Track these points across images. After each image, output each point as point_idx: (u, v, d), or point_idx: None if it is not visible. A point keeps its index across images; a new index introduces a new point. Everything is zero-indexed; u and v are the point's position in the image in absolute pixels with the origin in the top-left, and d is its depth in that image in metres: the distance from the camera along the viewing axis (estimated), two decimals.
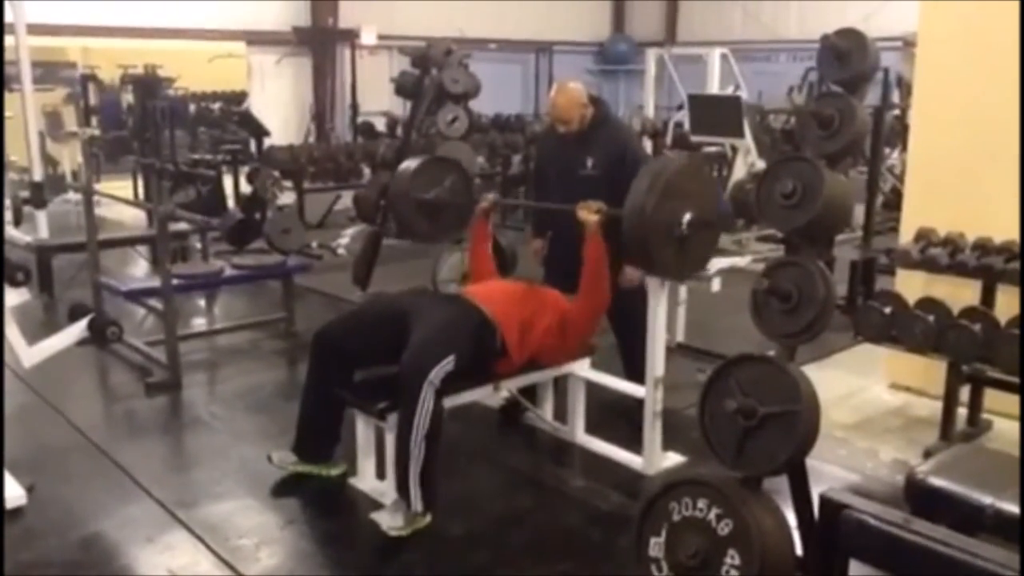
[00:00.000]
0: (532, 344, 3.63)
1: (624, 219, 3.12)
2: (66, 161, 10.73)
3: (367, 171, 9.75)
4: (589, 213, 3.54)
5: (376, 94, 12.26)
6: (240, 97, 11.31)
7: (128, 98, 11.21)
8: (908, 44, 8.74)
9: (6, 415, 3.52)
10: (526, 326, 3.60)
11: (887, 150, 8.87)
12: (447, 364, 3.21)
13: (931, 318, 3.79)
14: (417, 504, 3.18)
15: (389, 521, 3.20)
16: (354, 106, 12.78)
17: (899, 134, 8.73)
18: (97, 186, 7.74)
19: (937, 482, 2.49)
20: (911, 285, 4.24)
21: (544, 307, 3.70)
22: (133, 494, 3.56)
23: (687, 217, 3.11)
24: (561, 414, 4.12)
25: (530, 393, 4.11)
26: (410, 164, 4.02)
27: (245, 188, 8.12)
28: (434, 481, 3.22)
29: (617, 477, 3.72)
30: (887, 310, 3.97)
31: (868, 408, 4.50)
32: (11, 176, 8.03)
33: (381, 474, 3.53)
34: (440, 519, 3.25)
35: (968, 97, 4.27)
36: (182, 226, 6.31)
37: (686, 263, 3.35)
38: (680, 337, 5.39)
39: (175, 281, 4.96)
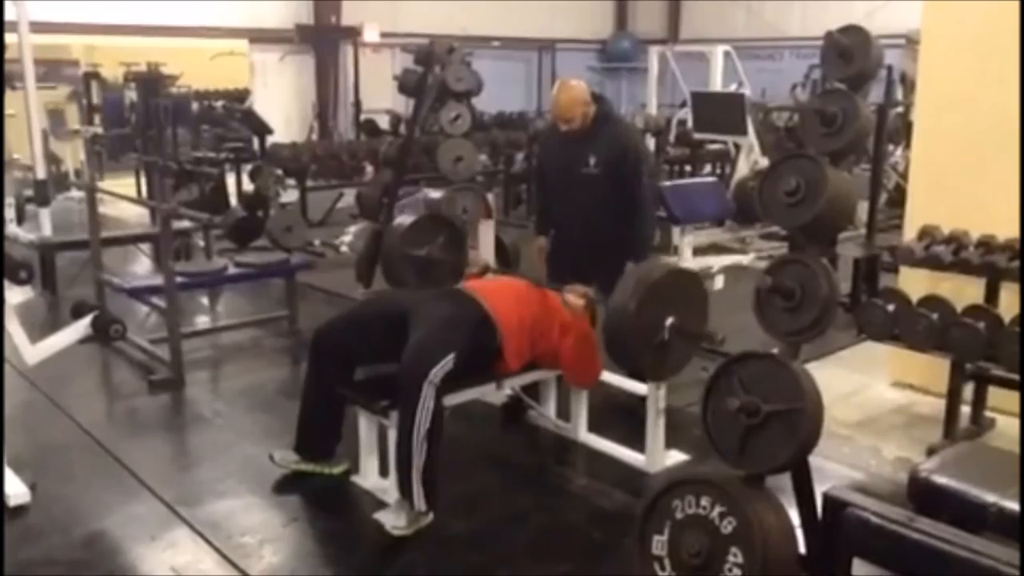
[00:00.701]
0: (530, 347, 3.62)
1: (605, 319, 3.11)
2: (69, 159, 10.73)
3: (370, 169, 9.76)
4: (576, 299, 3.60)
5: (379, 92, 12.27)
6: (243, 95, 11.31)
7: (131, 96, 11.20)
8: (911, 41, 8.73)
9: (9, 413, 3.52)
10: (525, 327, 3.59)
11: (890, 147, 8.85)
12: (447, 363, 3.21)
13: (934, 316, 3.79)
14: (419, 503, 3.18)
15: (392, 520, 3.20)
16: (357, 104, 12.79)
17: (902, 131, 8.71)
18: (100, 184, 7.76)
19: (940, 480, 2.48)
20: (914, 283, 4.23)
21: (545, 311, 3.69)
22: (136, 492, 3.56)
23: (669, 322, 3.08)
24: (564, 412, 4.12)
25: (533, 391, 4.11)
26: (403, 220, 4.07)
27: (248, 186, 8.15)
28: (436, 480, 3.21)
29: (620, 475, 3.71)
30: (890, 308, 3.96)
31: (871, 406, 4.49)
32: (14, 174, 8.03)
33: (384, 471, 3.52)
34: (442, 518, 3.25)
35: (971, 94, 4.26)
36: (185, 224, 6.32)
37: (665, 368, 3.31)
38: None
39: (178, 279, 4.96)
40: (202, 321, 6.06)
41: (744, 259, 6.48)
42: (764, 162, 7.23)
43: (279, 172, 6.53)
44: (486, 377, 3.63)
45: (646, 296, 3.02)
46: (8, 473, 3.45)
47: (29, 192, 7.42)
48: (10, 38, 6.25)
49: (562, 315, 3.71)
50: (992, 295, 3.89)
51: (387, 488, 3.43)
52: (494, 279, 3.96)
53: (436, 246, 3.99)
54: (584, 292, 3.59)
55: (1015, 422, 3.98)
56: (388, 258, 4.16)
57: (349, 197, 9.19)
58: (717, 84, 10.20)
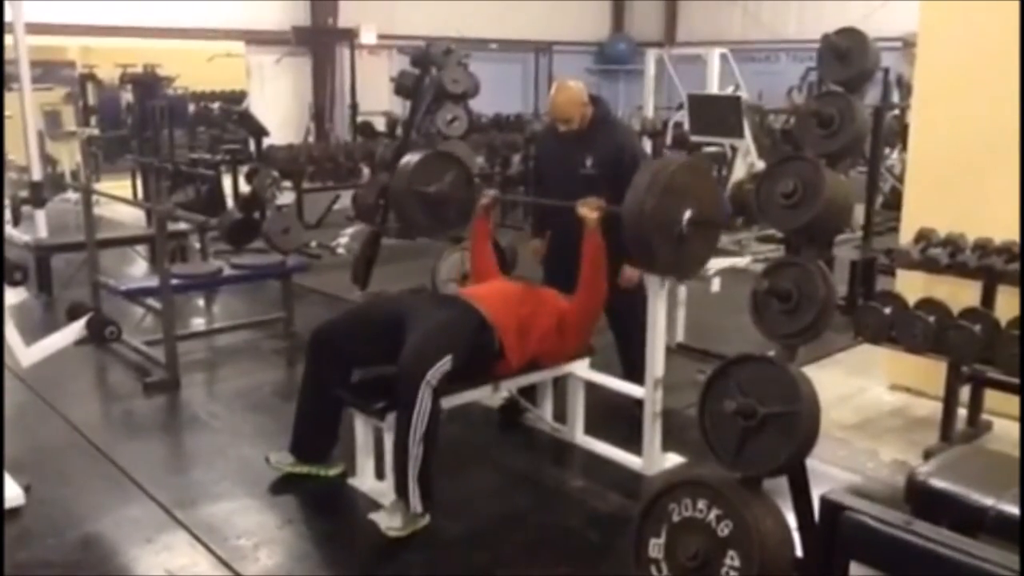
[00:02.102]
0: (530, 347, 3.62)
1: (623, 216, 3.09)
2: (65, 160, 10.73)
3: (366, 171, 9.75)
4: (590, 210, 3.54)
5: (375, 94, 12.25)
6: (239, 96, 11.32)
7: (127, 97, 11.22)
8: (908, 44, 8.74)
9: (5, 415, 3.51)
10: (525, 328, 3.59)
11: (887, 150, 8.87)
12: (444, 365, 3.20)
13: (931, 318, 3.79)
14: (416, 505, 3.17)
15: (388, 521, 3.19)
16: (353, 106, 12.77)
17: (899, 134, 8.72)
18: (96, 185, 7.75)
19: (938, 483, 2.48)
20: (911, 285, 4.24)
21: (543, 308, 3.69)
22: (131, 494, 3.55)
23: (688, 215, 3.06)
24: (560, 414, 4.11)
25: (529, 393, 4.11)
26: (411, 158, 4.01)
27: (244, 188, 8.12)
28: (433, 482, 3.21)
29: (616, 478, 3.71)
30: (887, 310, 3.97)
31: (868, 409, 4.49)
32: (10, 175, 8.02)
33: (380, 474, 3.52)
34: (439, 520, 3.25)
35: (968, 97, 4.26)
36: (181, 225, 6.32)
37: (686, 262, 3.30)
38: (680, 337, 5.39)
39: (174, 281, 4.95)
40: (198, 323, 6.05)
41: (741, 261, 6.48)
42: (760, 164, 7.23)
43: (275, 174, 6.49)
44: (483, 379, 3.63)
45: (664, 191, 2.99)
46: (3, 475, 3.44)
47: (25, 193, 7.41)
48: (6, 39, 6.24)
49: (560, 306, 3.71)
50: (989, 298, 3.90)
51: (383, 490, 3.42)
52: (490, 284, 3.95)
53: (445, 183, 3.94)
54: (597, 204, 3.54)
55: (1012, 425, 3.99)
56: (397, 196, 4.06)
57: (345, 199, 9.17)
58: (714, 86, 10.18)
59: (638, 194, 3.01)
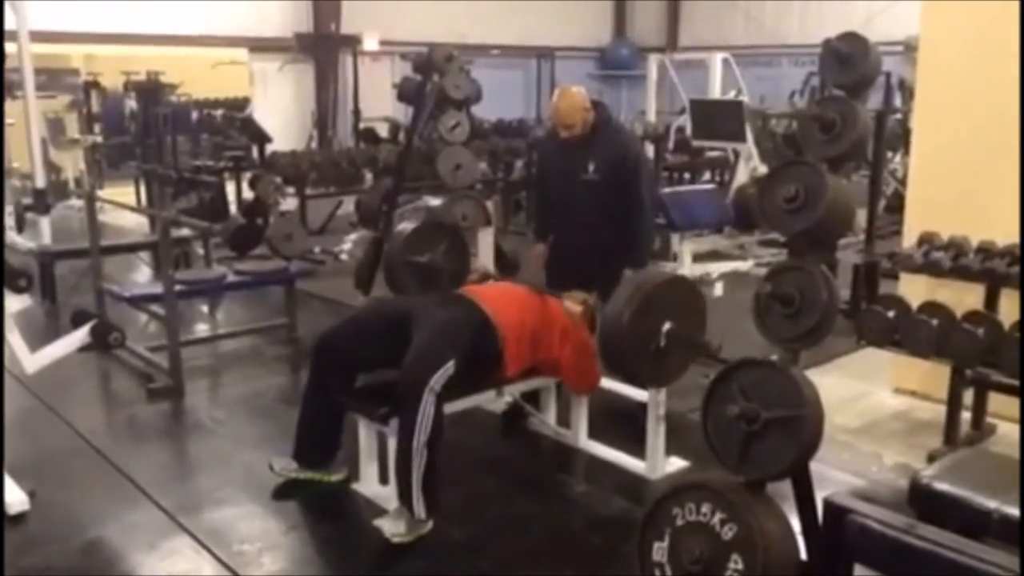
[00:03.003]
0: (531, 355, 3.63)
1: (600, 329, 3.10)
2: (69, 168, 10.73)
3: (369, 177, 9.77)
4: (575, 305, 3.67)
5: (378, 100, 12.28)
6: (242, 103, 11.33)
7: (131, 105, 11.23)
8: (910, 48, 8.74)
9: (9, 421, 3.52)
10: (527, 335, 3.59)
11: (889, 154, 8.86)
12: (448, 369, 3.20)
13: (934, 322, 3.78)
14: (419, 510, 3.17)
15: (391, 527, 3.19)
16: (356, 112, 12.81)
17: (901, 138, 8.72)
18: (100, 192, 7.77)
19: (941, 486, 2.48)
20: (914, 289, 4.23)
21: (548, 317, 3.69)
22: (135, 500, 3.56)
23: (666, 327, 3.03)
24: (564, 419, 4.11)
25: (533, 398, 4.11)
26: (406, 227, 4.07)
27: (247, 194, 8.14)
28: (436, 487, 3.21)
29: (620, 482, 3.71)
30: (890, 314, 3.96)
31: (872, 412, 4.49)
32: (14, 183, 8.04)
33: (384, 479, 3.52)
34: (442, 525, 3.25)
35: (970, 100, 4.26)
36: (184, 232, 6.33)
37: (662, 374, 3.28)
38: None
39: (177, 287, 4.96)
40: (201, 329, 6.05)
41: (743, 266, 6.49)
42: (763, 169, 7.23)
43: (278, 180, 6.52)
44: (486, 384, 3.63)
45: (642, 304, 2.99)
46: (7, 481, 3.45)
47: (28, 200, 7.42)
48: (10, 47, 6.26)
49: (563, 321, 3.71)
50: (992, 301, 3.89)
51: (387, 496, 3.42)
52: (495, 285, 3.96)
53: (438, 253, 3.99)
54: (583, 299, 3.60)
55: (1016, 428, 3.98)
56: (390, 265, 4.15)
57: (348, 205, 9.20)
58: (716, 91, 10.21)
59: (617, 306, 3.00)
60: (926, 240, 4.18)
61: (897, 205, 7.53)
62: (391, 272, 4.20)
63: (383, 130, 10.79)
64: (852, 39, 2.66)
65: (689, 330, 3.13)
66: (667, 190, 7.04)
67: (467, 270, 4.08)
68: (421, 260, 3.92)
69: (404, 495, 3.19)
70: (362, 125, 12.03)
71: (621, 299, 3.01)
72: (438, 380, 3.18)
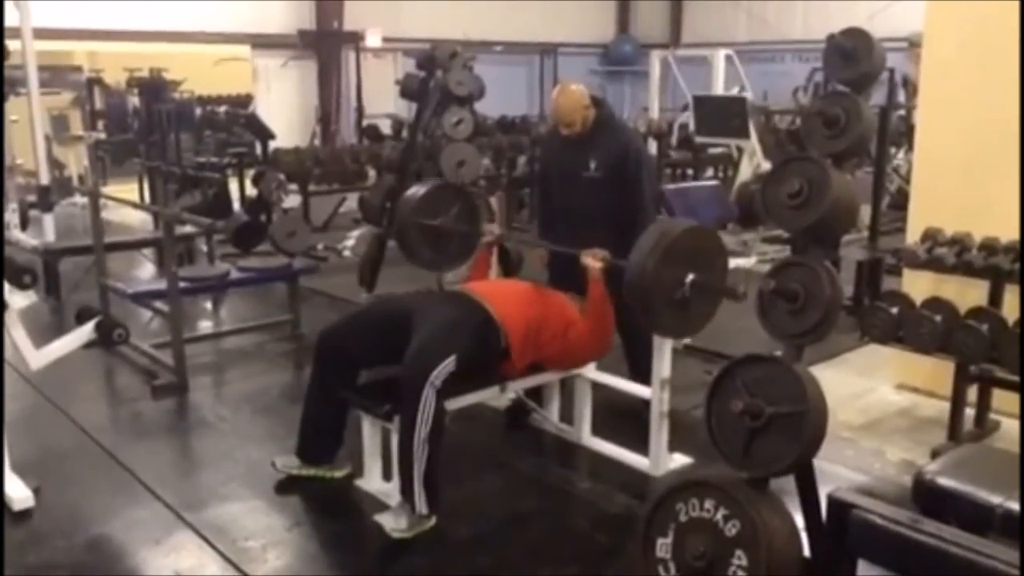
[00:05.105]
0: (536, 350, 3.62)
1: (625, 277, 3.05)
2: (72, 164, 10.75)
3: (373, 173, 9.77)
4: (594, 260, 3.57)
5: (381, 97, 12.30)
6: (245, 100, 11.34)
7: (134, 101, 11.24)
8: (914, 44, 8.73)
9: (13, 417, 3.53)
10: (531, 330, 3.59)
11: (893, 150, 8.85)
12: (448, 365, 3.20)
13: (938, 318, 3.78)
14: (421, 506, 3.17)
15: (393, 523, 3.20)
16: (359, 109, 12.81)
17: (905, 134, 8.71)
18: (103, 189, 7.76)
19: (945, 482, 2.47)
20: (918, 285, 4.23)
21: (551, 312, 3.69)
22: (140, 496, 3.57)
23: (690, 278, 2.98)
24: (567, 415, 4.11)
25: (536, 394, 4.11)
26: (417, 189, 4.00)
27: (251, 191, 8.15)
28: (438, 483, 3.21)
29: (623, 478, 3.71)
30: (894, 310, 3.96)
31: (875, 409, 4.49)
32: (17, 180, 8.05)
33: (387, 475, 3.52)
34: (445, 521, 3.25)
35: (974, 97, 4.26)
36: (188, 229, 6.33)
37: (687, 325, 3.24)
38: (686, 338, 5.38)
39: (181, 284, 4.96)
40: (205, 326, 6.06)
41: (747, 262, 6.48)
42: (766, 165, 7.24)
43: (282, 177, 6.50)
44: (490, 380, 3.63)
45: (665, 254, 2.95)
46: (12, 477, 3.46)
47: (32, 197, 7.44)
48: (14, 44, 6.26)
49: (568, 313, 3.71)
50: (995, 297, 3.89)
51: (390, 491, 3.43)
52: (497, 281, 3.96)
53: (450, 216, 3.92)
54: (603, 255, 3.56)
55: (1019, 424, 3.98)
56: (401, 227, 4.07)
57: (352, 202, 9.20)
58: (719, 87, 10.21)
59: (641, 255, 2.96)
60: (930, 236, 4.18)
61: (901, 201, 7.53)
62: (402, 236, 4.14)
63: (386, 127, 10.80)
64: (856, 35, 2.65)
65: (712, 278, 3.09)
66: (670, 186, 7.03)
67: (479, 233, 4.04)
68: (433, 223, 3.86)
69: (405, 491, 3.19)
70: (365, 122, 12.03)
71: (645, 250, 2.98)
72: (439, 375, 3.18)
